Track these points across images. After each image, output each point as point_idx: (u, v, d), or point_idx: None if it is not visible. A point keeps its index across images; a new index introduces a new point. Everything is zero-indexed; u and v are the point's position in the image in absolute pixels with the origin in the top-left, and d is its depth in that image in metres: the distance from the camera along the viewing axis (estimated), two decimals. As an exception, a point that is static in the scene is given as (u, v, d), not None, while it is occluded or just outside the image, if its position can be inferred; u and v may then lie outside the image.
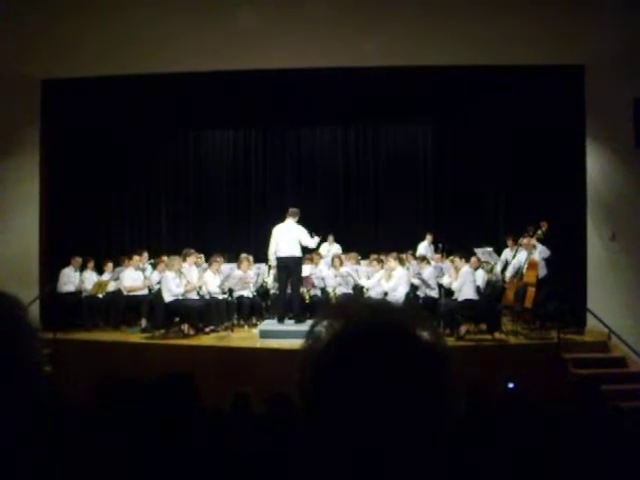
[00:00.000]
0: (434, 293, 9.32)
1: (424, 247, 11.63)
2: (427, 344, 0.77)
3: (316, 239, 9.38)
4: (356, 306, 0.82)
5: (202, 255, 10.49)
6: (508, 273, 9.60)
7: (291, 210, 9.30)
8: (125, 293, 9.87)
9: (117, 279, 10.10)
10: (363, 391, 0.73)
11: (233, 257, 10.72)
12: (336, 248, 11.73)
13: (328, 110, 11.22)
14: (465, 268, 8.83)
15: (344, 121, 12.69)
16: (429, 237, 11.78)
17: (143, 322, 9.48)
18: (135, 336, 9.11)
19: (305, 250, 9.52)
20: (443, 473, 0.75)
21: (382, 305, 0.82)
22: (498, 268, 10.20)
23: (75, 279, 10.05)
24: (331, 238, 12.01)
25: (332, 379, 0.74)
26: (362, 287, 9.57)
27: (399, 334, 0.76)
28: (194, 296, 9.23)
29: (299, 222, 9.30)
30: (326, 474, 0.75)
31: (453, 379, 0.77)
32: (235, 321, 9.74)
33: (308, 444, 0.77)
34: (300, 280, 9.34)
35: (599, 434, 3.21)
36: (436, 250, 11.46)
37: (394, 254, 9.49)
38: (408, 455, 0.73)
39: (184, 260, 9.42)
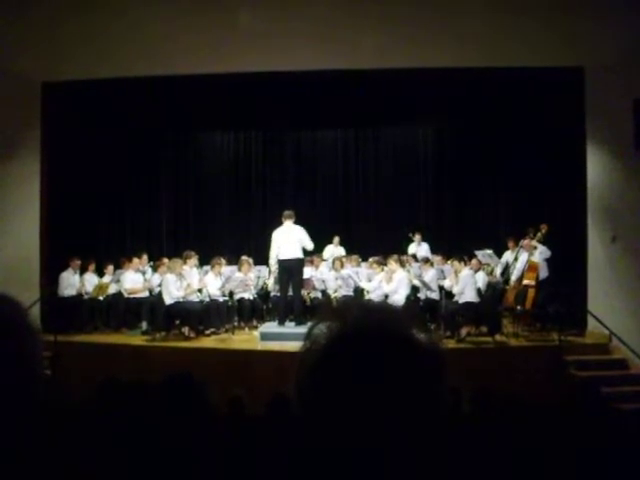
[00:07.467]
0: (435, 295, 9.30)
1: (414, 247, 11.58)
2: (423, 346, 0.77)
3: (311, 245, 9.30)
4: (353, 309, 0.82)
5: (197, 255, 10.29)
6: (513, 276, 9.55)
7: (286, 213, 9.27)
8: (125, 295, 9.87)
9: (117, 281, 10.09)
10: (359, 393, 0.73)
11: (234, 259, 10.71)
12: (341, 251, 11.69)
13: (328, 112, 11.23)
14: (465, 271, 8.81)
15: (344, 123, 12.70)
16: (418, 236, 11.72)
17: (144, 324, 9.48)
18: (136, 338, 9.10)
19: (306, 252, 9.51)
20: (442, 473, 0.76)
21: (378, 307, 0.83)
22: (498, 270, 10.18)
23: (75, 282, 10.03)
24: (337, 240, 11.98)
25: (329, 381, 0.75)
26: (363, 289, 9.56)
27: (395, 336, 0.77)
28: (195, 298, 9.23)
29: (296, 223, 9.26)
30: (325, 475, 0.75)
31: (447, 381, 0.77)
32: (236, 323, 9.73)
33: (306, 445, 0.77)
34: (301, 282, 9.32)
35: (599, 436, 3.20)
36: (434, 251, 11.41)
37: (395, 256, 9.47)
38: (406, 455, 0.73)
39: (185, 262, 9.43)
